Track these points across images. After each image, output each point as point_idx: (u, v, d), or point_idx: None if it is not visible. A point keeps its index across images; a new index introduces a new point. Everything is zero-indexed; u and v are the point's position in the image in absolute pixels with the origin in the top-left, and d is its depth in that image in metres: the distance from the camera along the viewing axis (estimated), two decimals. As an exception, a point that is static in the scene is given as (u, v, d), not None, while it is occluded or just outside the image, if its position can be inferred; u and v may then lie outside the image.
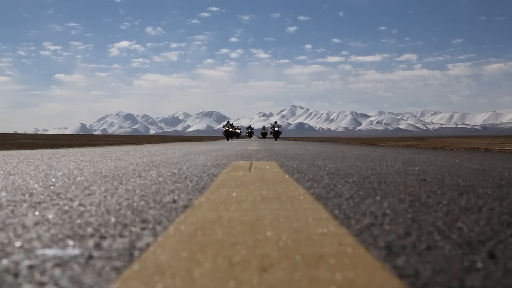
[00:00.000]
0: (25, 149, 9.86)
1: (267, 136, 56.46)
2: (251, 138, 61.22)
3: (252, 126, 64.89)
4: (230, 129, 45.37)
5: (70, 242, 1.14)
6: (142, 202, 1.83)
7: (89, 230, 1.29)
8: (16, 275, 0.88)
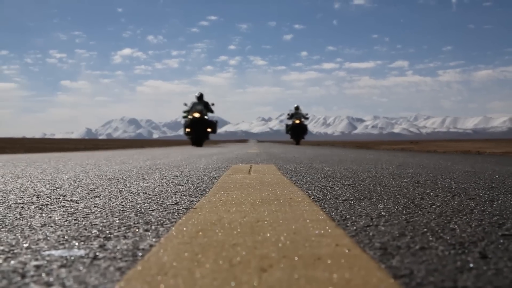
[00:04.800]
0: (33, 153, 9.85)
1: (303, 135, 27.48)
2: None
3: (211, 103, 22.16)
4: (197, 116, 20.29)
5: (76, 243, 1.17)
6: (145, 204, 1.86)
7: (94, 231, 1.32)
8: (23, 275, 0.90)
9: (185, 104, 21.43)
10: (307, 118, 28.38)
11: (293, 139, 28.11)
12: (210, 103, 21.29)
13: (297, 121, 27.86)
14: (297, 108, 28.99)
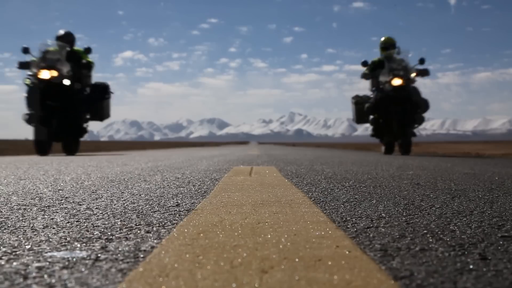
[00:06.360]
0: (35, 155, 9.87)
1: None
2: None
3: None
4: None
5: (78, 245, 1.17)
6: (147, 206, 1.87)
7: (96, 233, 1.33)
8: (25, 276, 0.90)
9: (26, 51, 9.42)
10: (425, 72, 10.07)
11: (383, 138, 10.48)
12: (82, 49, 10.20)
13: (397, 81, 9.11)
14: (386, 45, 10.03)
